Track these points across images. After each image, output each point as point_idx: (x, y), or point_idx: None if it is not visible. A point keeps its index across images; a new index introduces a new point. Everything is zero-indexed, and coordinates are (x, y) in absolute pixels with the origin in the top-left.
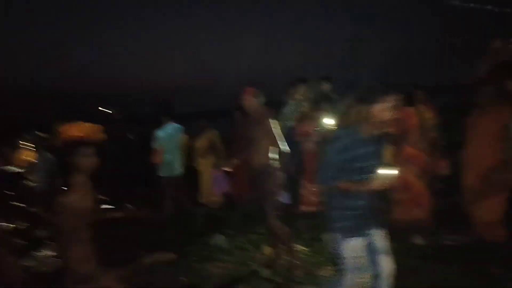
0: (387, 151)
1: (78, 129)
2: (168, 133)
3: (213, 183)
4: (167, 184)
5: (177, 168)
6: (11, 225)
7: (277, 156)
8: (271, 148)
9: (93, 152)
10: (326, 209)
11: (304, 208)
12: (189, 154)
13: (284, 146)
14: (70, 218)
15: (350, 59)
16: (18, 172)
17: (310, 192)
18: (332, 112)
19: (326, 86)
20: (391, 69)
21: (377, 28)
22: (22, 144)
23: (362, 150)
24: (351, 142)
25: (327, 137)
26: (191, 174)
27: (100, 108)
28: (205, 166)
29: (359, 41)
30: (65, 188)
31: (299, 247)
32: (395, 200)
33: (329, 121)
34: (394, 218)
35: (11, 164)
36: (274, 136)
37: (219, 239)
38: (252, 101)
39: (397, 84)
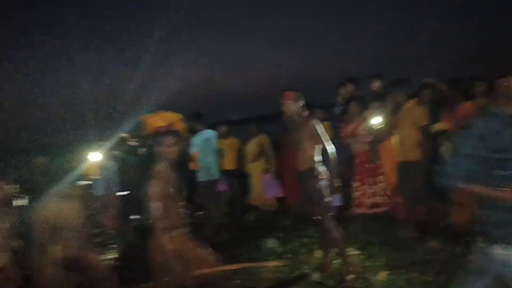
0: None
1: (162, 119)
2: (203, 140)
3: (264, 187)
4: (205, 188)
5: (215, 173)
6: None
7: (322, 159)
8: (316, 151)
9: (176, 141)
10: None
11: (357, 210)
12: (240, 158)
13: (331, 148)
14: (155, 205)
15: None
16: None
17: (363, 194)
18: (382, 110)
19: (376, 84)
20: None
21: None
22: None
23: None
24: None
25: (378, 136)
26: (242, 178)
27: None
28: (255, 170)
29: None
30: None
31: (353, 251)
32: None
33: (378, 120)
34: None
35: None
36: (320, 139)
37: (271, 243)
38: (291, 105)
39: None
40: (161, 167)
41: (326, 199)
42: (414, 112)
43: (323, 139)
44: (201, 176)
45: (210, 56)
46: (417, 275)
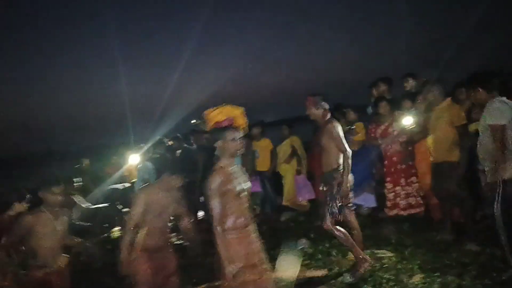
0: None
1: (223, 113)
2: None
3: (296, 188)
4: None
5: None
6: None
7: (344, 161)
8: (338, 153)
9: (238, 136)
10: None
11: (390, 212)
12: (273, 159)
13: (348, 151)
14: (216, 203)
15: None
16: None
17: (396, 195)
18: (415, 110)
19: (409, 84)
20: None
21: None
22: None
23: None
24: None
25: (411, 136)
26: (275, 179)
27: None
28: (288, 171)
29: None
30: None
31: (386, 253)
32: None
33: (410, 120)
34: None
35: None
36: (338, 141)
37: (303, 243)
38: (312, 109)
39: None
40: (223, 162)
41: (342, 201)
42: (450, 111)
43: (341, 142)
44: None
45: (243, 59)
46: (453, 279)
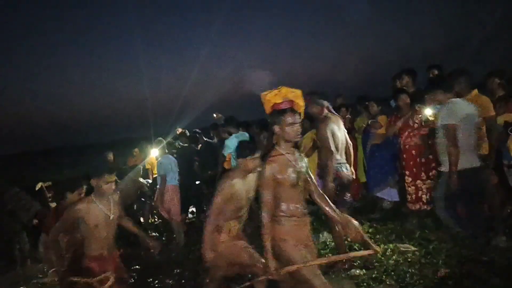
0: None
1: (282, 95)
2: (237, 141)
3: (317, 181)
4: None
5: None
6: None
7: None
8: (333, 150)
9: (297, 120)
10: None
11: (412, 206)
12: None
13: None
14: (267, 191)
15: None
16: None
17: (417, 189)
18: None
19: (407, 80)
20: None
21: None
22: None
23: None
24: None
25: (432, 129)
26: None
27: (214, 114)
28: (308, 164)
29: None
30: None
31: (410, 247)
32: None
33: (430, 113)
34: None
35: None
36: (327, 141)
37: (324, 237)
38: (310, 107)
39: None
40: (279, 149)
41: (337, 197)
42: (478, 102)
43: (325, 140)
44: None
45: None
46: (479, 275)
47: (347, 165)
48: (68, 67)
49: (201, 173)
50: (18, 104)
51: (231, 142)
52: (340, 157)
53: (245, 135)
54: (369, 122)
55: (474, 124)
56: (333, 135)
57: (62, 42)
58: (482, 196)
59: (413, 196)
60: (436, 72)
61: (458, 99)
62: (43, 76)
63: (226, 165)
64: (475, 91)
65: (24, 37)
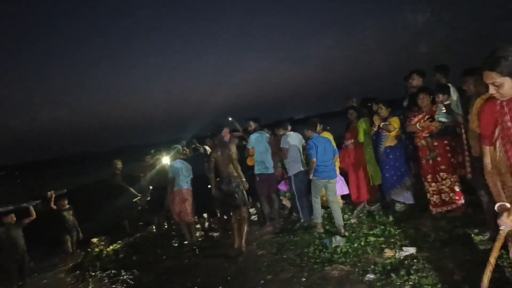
0: None
1: None
2: (258, 137)
3: None
4: (260, 181)
5: (269, 167)
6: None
7: None
8: None
9: None
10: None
11: (429, 208)
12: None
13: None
14: None
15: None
16: None
17: (433, 190)
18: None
19: (439, 77)
20: None
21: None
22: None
23: None
24: None
25: (447, 129)
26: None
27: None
28: None
29: None
30: None
31: (423, 251)
32: None
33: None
34: None
35: None
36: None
37: (337, 241)
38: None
39: None
40: None
41: None
42: None
43: None
44: (257, 169)
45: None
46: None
47: None
48: (81, 73)
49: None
50: (29, 112)
51: (254, 137)
52: None
53: (264, 133)
54: (381, 125)
55: None
56: None
57: (78, 50)
58: None
59: (430, 197)
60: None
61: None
62: (58, 84)
63: (249, 162)
64: None
65: (41, 45)
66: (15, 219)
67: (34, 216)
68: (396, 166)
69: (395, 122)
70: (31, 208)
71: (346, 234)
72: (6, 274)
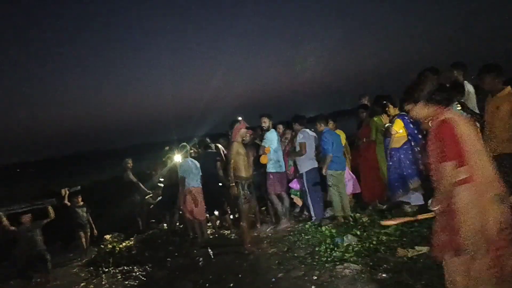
0: None
1: None
2: (273, 135)
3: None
4: (275, 179)
5: (283, 165)
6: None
7: None
8: None
9: None
10: None
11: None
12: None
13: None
14: None
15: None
16: None
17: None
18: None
19: (456, 74)
20: None
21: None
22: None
23: None
24: None
25: None
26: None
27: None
28: None
29: None
30: None
31: (422, 249)
32: None
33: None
34: None
35: None
36: None
37: (349, 239)
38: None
39: None
40: None
41: None
42: (511, 100)
43: None
44: (271, 168)
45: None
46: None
47: None
48: (89, 73)
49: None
50: (42, 110)
51: (270, 135)
52: None
53: (276, 132)
54: (384, 127)
55: None
56: None
57: (89, 49)
58: None
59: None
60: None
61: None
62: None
63: (263, 160)
64: (509, 88)
65: (54, 44)
66: (31, 218)
67: (53, 217)
68: (399, 169)
69: (397, 124)
70: (50, 208)
71: (358, 233)
72: (22, 273)
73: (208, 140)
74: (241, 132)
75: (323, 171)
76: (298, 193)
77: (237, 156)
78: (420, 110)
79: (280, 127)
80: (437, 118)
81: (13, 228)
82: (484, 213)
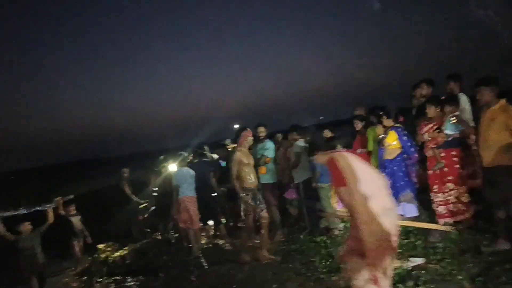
0: None
1: None
2: (272, 145)
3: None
4: (271, 189)
5: (275, 176)
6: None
7: None
8: None
9: None
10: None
11: (436, 218)
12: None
13: None
14: None
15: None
16: None
17: (441, 200)
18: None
19: (452, 86)
20: None
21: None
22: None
23: None
24: None
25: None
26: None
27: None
28: None
29: None
30: None
31: (432, 263)
32: None
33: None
34: None
35: None
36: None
37: None
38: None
39: None
40: None
41: None
42: (506, 113)
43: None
44: (270, 179)
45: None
46: None
47: None
48: (87, 80)
49: (218, 186)
50: (41, 117)
51: (271, 145)
52: None
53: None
54: (378, 138)
55: None
56: None
57: (87, 55)
58: None
59: (437, 207)
60: (452, 84)
61: None
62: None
63: (262, 170)
64: (503, 101)
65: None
66: (31, 227)
67: (52, 220)
68: (393, 180)
69: (391, 136)
70: (49, 211)
71: None
72: (25, 285)
73: (206, 147)
74: (249, 140)
75: (313, 185)
76: (293, 202)
77: (240, 165)
78: None
79: (279, 136)
80: None
81: (12, 237)
82: None
